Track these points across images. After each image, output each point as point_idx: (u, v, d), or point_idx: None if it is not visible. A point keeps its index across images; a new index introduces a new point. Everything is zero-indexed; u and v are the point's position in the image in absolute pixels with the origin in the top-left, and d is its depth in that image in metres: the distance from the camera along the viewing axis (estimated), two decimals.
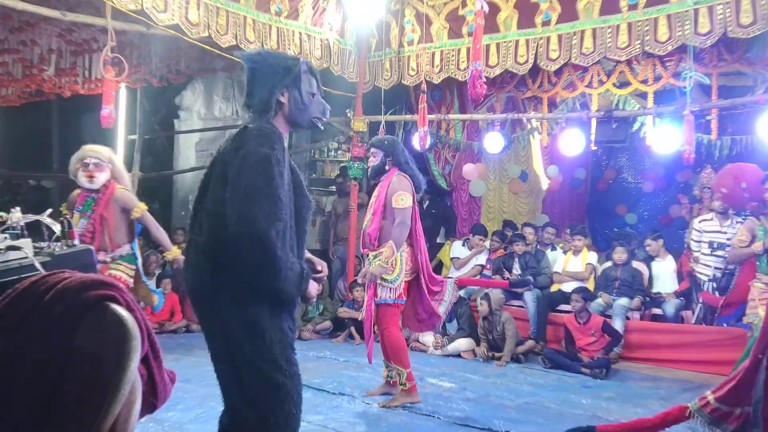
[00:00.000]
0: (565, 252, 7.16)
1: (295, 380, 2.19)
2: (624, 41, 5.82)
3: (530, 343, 6.22)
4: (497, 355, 6.14)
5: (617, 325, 6.09)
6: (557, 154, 8.24)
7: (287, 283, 2.06)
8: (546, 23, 6.25)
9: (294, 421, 2.16)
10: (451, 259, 7.68)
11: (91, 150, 4.44)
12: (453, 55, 6.89)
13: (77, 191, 4.53)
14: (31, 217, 2.16)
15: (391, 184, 4.35)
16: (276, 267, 2.02)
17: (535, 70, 6.79)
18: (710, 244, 6.02)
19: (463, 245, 7.68)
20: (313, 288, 2.24)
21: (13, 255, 1.66)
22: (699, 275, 6.30)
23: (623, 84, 6.85)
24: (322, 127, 2.51)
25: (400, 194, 4.29)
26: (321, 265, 2.36)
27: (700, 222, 6.22)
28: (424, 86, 5.55)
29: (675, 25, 5.58)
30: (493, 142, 7.37)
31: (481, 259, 7.46)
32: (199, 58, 7.53)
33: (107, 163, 4.47)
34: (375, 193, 4.49)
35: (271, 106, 2.27)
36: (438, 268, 7.78)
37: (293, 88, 2.32)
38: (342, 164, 9.19)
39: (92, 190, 4.47)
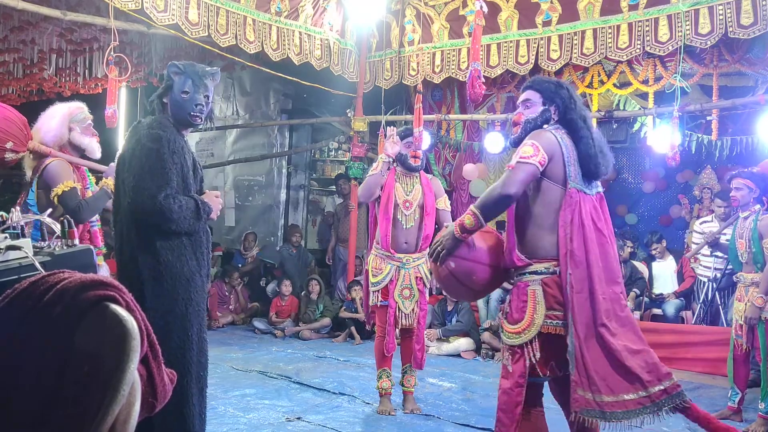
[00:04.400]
0: None
1: None
2: (625, 41, 5.82)
3: None
4: (498, 353, 6.15)
5: None
6: None
7: (188, 222, 2.48)
8: (547, 23, 6.25)
9: None
10: None
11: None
12: (453, 56, 6.89)
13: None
14: (32, 217, 2.16)
15: (434, 185, 4.35)
16: (173, 219, 2.42)
17: (535, 71, 6.77)
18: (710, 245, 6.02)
19: None
20: (214, 203, 2.62)
21: (13, 255, 1.66)
22: (699, 276, 6.30)
23: (624, 84, 6.85)
24: (200, 124, 2.76)
25: (446, 197, 4.39)
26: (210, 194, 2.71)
27: (701, 224, 6.22)
28: (420, 86, 5.55)
29: (675, 25, 5.58)
30: (494, 142, 7.36)
31: None
32: (200, 57, 7.52)
33: None
34: (413, 191, 4.25)
35: (155, 108, 2.65)
36: None
37: (170, 90, 2.66)
38: (344, 164, 9.18)
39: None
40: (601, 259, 2.47)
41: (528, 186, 2.55)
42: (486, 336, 6.26)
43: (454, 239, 2.60)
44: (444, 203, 4.35)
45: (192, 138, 10.16)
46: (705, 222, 6.17)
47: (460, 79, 6.85)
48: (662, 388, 2.39)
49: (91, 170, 3.66)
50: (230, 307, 7.91)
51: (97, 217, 3.53)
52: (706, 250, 6.04)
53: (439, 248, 2.63)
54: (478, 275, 2.64)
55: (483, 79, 4.65)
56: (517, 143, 2.73)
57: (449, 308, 6.63)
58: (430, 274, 4.43)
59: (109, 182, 3.35)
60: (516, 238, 2.61)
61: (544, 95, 2.69)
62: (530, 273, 2.54)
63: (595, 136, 2.65)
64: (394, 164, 4.31)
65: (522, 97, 2.77)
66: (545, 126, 2.68)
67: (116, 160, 2.65)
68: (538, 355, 2.49)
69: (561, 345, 2.50)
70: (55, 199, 3.29)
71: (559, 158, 2.54)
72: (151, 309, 2.38)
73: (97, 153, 3.56)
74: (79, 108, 3.56)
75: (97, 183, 3.67)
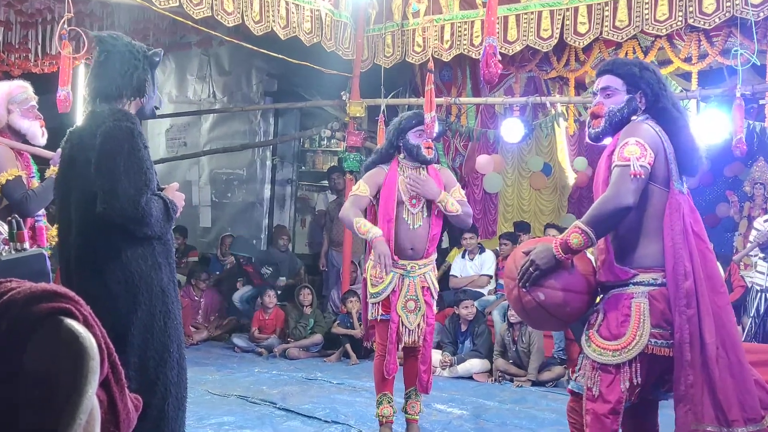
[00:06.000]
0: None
1: None
2: (664, 13, 5.81)
3: (558, 369, 6.17)
4: (517, 377, 6.14)
5: None
6: (586, 144, 8.21)
7: (160, 225, 2.52)
8: None
9: None
10: (450, 276, 7.64)
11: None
12: (465, 29, 6.88)
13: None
14: None
15: (443, 176, 4.35)
16: (151, 224, 2.46)
17: (560, 47, 6.77)
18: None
19: (464, 257, 7.64)
20: (178, 199, 2.67)
21: None
22: (755, 285, 6.28)
23: (663, 63, 6.83)
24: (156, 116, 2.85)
25: (459, 187, 4.37)
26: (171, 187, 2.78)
27: (765, 222, 6.17)
28: (431, 65, 5.53)
29: None
30: (512, 129, 7.36)
31: (488, 267, 7.41)
32: (170, 31, 7.53)
33: None
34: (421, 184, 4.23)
35: (142, 91, 2.62)
36: (444, 278, 7.74)
37: (150, 77, 2.69)
38: (338, 155, 9.18)
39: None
40: (703, 269, 2.54)
41: None
42: (500, 363, 6.25)
43: (555, 260, 2.58)
44: (459, 193, 4.31)
45: (161, 124, 10.16)
46: None
47: (473, 56, 6.84)
48: None
49: (36, 158, 3.68)
50: (199, 311, 7.92)
51: (43, 212, 3.56)
52: (761, 253, 6.03)
53: (532, 269, 2.60)
54: (572, 305, 2.65)
55: (499, 57, 4.66)
56: (598, 138, 2.78)
57: (463, 328, 6.62)
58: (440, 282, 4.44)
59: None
60: (614, 248, 2.64)
61: (627, 81, 2.70)
62: (634, 284, 2.57)
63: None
64: (399, 155, 4.30)
65: (600, 83, 2.79)
66: (633, 117, 2.71)
67: (64, 153, 2.64)
68: (640, 378, 2.52)
69: (657, 368, 2.57)
70: None
71: (662, 156, 2.59)
72: (126, 326, 2.42)
73: (40, 138, 3.59)
74: (20, 87, 3.60)
75: (41, 171, 3.69)
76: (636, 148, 2.53)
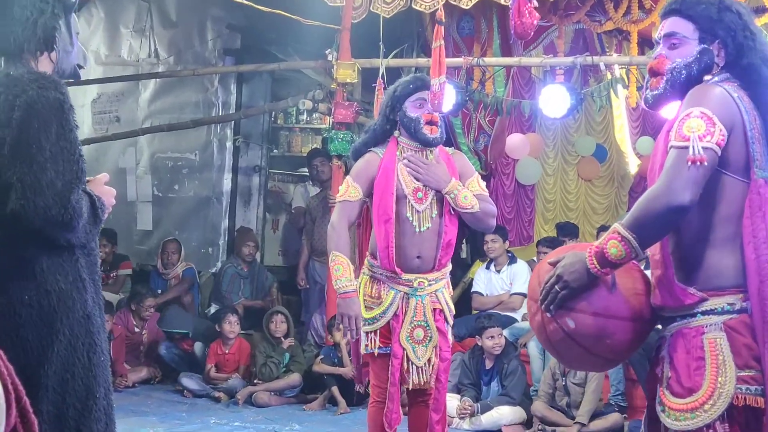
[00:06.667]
0: None
1: None
2: None
3: (615, 417, 6.20)
4: (560, 427, 6.16)
5: None
6: (653, 120, 8.23)
7: (86, 230, 2.54)
8: None
9: None
10: (472, 294, 7.71)
11: None
12: None
13: None
14: None
15: (457, 162, 4.36)
16: (77, 228, 2.46)
17: None
18: None
19: (488, 268, 7.66)
20: (107, 195, 2.69)
21: None
22: None
23: (757, 11, 6.85)
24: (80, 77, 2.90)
25: (478, 177, 4.38)
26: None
27: None
28: (441, 13, 5.51)
29: None
30: (554, 100, 7.37)
31: (521, 283, 7.41)
32: None
33: None
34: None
35: (50, 42, 2.61)
36: (465, 298, 7.77)
37: (64, 24, 2.68)
38: (322, 134, 9.17)
39: None
40: None
41: None
42: (539, 407, 6.26)
43: (588, 276, 2.51)
44: (477, 185, 4.31)
45: (87, 92, 10.16)
46: None
47: (502, 2, 6.86)
48: None
49: None
50: (142, 348, 7.93)
51: None
52: None
53: (558, 287, 2.54)
54: (613, 337, 2.57)
55: (536, 4, 4.68)
56: (657, 103, 2.69)
57: (488, 365, 6.63)
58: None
59: None
60: (674, 261, 2.56)
61: (701, 26, 2.61)
62: (704, 313, 2.47)
63: None
64: (397, 133, 4.30)
65: (664, 28, 2.69)
66: (706, 77, 2.62)
67: None
68: None
69: (755, 425, 2.47)
70: None
71: (740, 132, 2.49)
72: (39, 363, 2.40)
73: None
74: None
75: None
76: (700, 122, 2.41)
